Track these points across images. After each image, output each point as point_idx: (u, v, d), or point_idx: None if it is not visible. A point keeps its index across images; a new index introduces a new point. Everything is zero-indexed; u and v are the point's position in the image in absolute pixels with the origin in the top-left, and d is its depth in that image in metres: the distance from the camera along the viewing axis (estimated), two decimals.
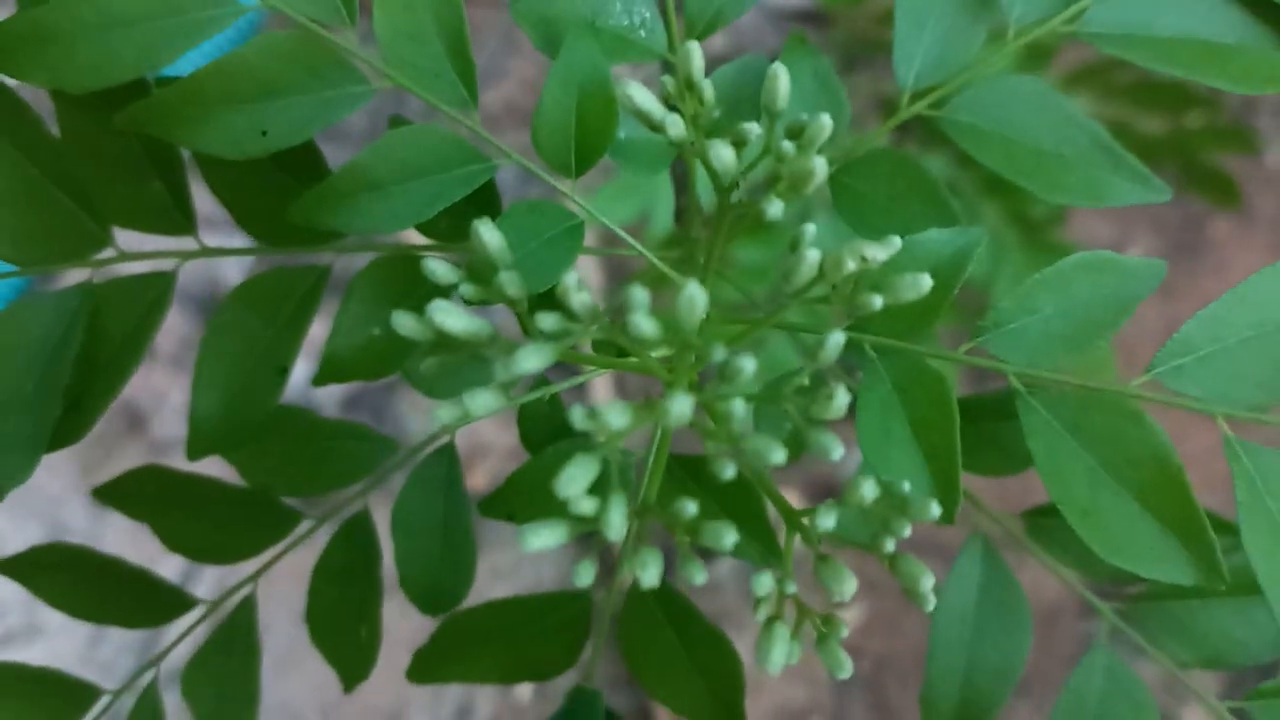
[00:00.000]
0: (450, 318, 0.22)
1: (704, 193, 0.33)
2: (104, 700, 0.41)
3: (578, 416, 0.21)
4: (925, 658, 0.38)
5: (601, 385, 1.11)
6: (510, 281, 0.24)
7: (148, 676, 0.40)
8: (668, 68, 0.35)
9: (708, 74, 0.30)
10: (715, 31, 0.36)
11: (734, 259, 0.57)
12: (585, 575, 0.22)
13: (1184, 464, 0.29)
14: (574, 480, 0.21)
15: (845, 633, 0.23)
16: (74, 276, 0.37)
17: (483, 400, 0.22)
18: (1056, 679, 0.47)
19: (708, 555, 0.25)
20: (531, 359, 0.22)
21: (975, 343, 0.31)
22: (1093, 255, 0.30)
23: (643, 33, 0.35)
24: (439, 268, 0.25)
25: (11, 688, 0.40)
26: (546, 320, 0.23)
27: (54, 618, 1.40)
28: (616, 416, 0.21)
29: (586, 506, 0.22)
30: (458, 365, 0.38)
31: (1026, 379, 0.30)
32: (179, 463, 0.40)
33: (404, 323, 0.24)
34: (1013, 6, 0.34)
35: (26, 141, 0.36)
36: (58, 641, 1.20)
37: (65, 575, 0.40)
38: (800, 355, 0.25)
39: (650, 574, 0.21)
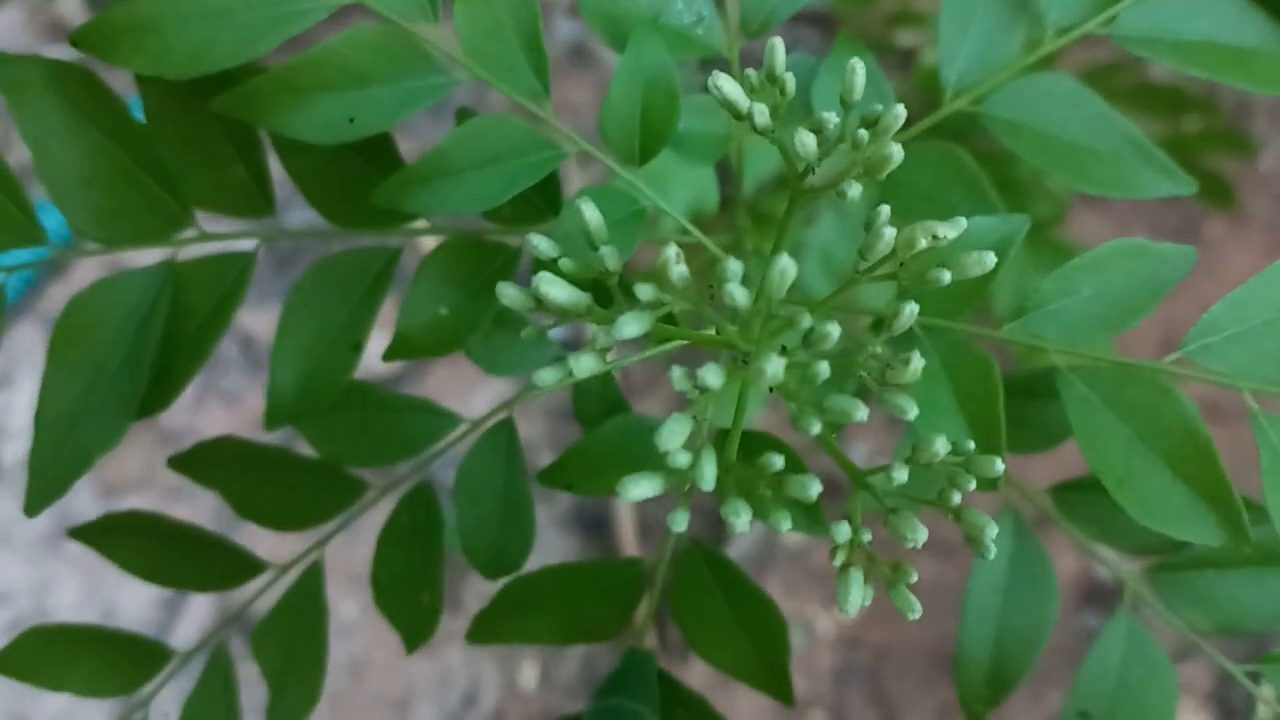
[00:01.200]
0: (555, 288, 0.25)
1: (749, 183, 0.35)
2: (174, 661, 0.43)
3: (677, 377, 0.23)
4: (957, 629, 0.40)
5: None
6: (610, 255, 0.26)
7: (219, 638, 0.42)
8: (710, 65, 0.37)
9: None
10: (768, 31, 0.38)
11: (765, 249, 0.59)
12: (680, 523, 0.24)
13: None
14: (674, 435, 0.23)
15: (914, 578, 0.25)
16: (156, 256, 0.39)
17: (585, 363, 0.24)
18: (1053, 671, 0.49)
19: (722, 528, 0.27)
20: (632, 326, 0.24)
21: (1016, 322, 0.33)
22: (1129, 242, 0.33)
23: (700, 30, 0.38)
24: (541, 242, 0.27)
25: (87, 647, 0.42)
26: (644, 290, 0.25)
27: (63, 602, 1.40)
28: (713, 377, 0.23)
29: (682, 460, 0.24)
30: (513, 343, 0.41)
31: (1066, 356, 0.33)
32: None
33: (508, 292, 0.26)
34: (1050, 9, 0.37)
35: (114, 128, 0.38)
36: None
37: (139, 540, 0.42)
38: (866, 329, 0.28)
39: (743, 520, 0.23)
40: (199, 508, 0.53)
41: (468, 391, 1.13)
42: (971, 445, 0.26)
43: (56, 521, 1.19)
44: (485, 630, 0.40)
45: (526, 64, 0.35)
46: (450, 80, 0.35)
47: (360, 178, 0.38)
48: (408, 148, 0.39)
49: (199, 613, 1.20)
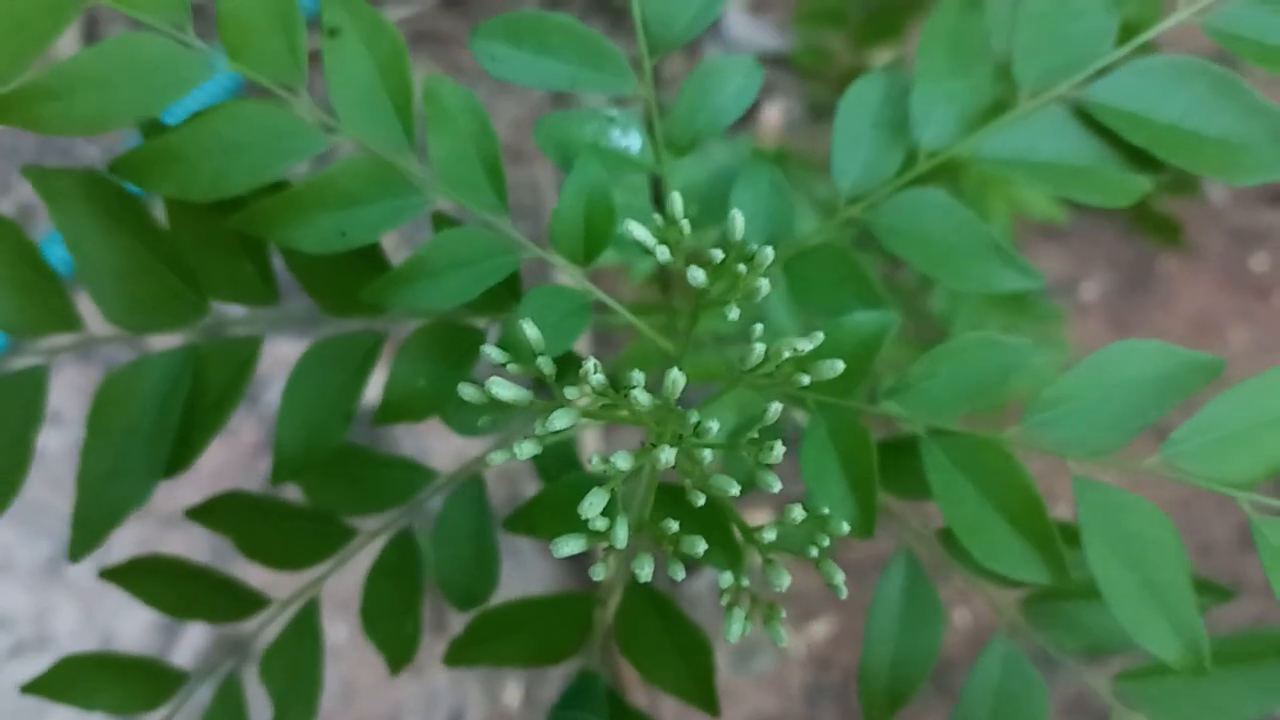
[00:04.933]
0: (504, 389, 0.32)
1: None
2: (190, 683, 0.50)
3: (595, 461, 0.31)
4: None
5: (591, 433, 1.21)
6: (546, 364, 0.33)
7: (230, 664, 0.49)
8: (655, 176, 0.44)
9: None
10: (694, 150, 0.45)
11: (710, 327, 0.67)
12: (599, 573, 0.31)
13: (1055, 497, 0.39)
14: (593, 505, 0.30)
15: (784, 614, 0.32)
16: (174, 338, 0.46)
17: (527, 447, 0.31)
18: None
19: (690, 571, 0.33)
20: (562, 420, 0.31)
21: (890, 400, 0.40)
22: (981, 335, 0.40)
23: (634, 151, 0.45)
24: (494, 352, 0.34)
25: (109, 673, 0.49)
26: (570, 392, 0.32)
27: (63, 629, 1.45)
28: (622, 462, 0.30)
29: (600, 524, 0.31)
30: (480, 415, 0.48)
31: (929, 428, 0.40)
32: (183, 493, 0.49)
33: (467, 391, 0.33)
34: (924, 135, 0.44)
35: (140, 231, 0.45)
36: (68, 652, 1.27)
37: (160, 579, 0.49)
38: (755, 414, 0.35)
39: (646, 571, 0.30)
40: (193, 537, 0.59)
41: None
42: (827, 510, 0.33)
43: (57, 549, 1.24)
44: (460, 655, 0.47)
45: (488, 185, 0.43)
46: (425, 200, 0.42)
47: (352, 275, 0.45)
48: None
49: (194, 639, 1.25)
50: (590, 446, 1.27)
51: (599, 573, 0.31)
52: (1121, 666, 0.47)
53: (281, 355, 0.52)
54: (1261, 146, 0.42)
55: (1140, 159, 0.43)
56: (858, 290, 0.43)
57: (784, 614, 0.32)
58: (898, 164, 0.44)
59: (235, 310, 0.47)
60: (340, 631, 1.18)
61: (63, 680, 0.49)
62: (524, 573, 1.33)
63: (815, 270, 0.44)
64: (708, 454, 0.31)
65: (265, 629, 0.50)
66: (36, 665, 0.48)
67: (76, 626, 1.29)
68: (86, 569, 1.19)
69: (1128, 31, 0.44)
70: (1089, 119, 0.43)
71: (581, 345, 0.45)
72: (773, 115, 1.53)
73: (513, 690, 1.33)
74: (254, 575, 0.50)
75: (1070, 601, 0.48)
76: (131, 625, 1.27)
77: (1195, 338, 1.57)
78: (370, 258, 0.45)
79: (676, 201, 0.33)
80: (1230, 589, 0.48)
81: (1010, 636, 0.47)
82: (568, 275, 0.42)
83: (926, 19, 0.45)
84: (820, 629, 1.39)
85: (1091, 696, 0.47)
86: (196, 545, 0.49)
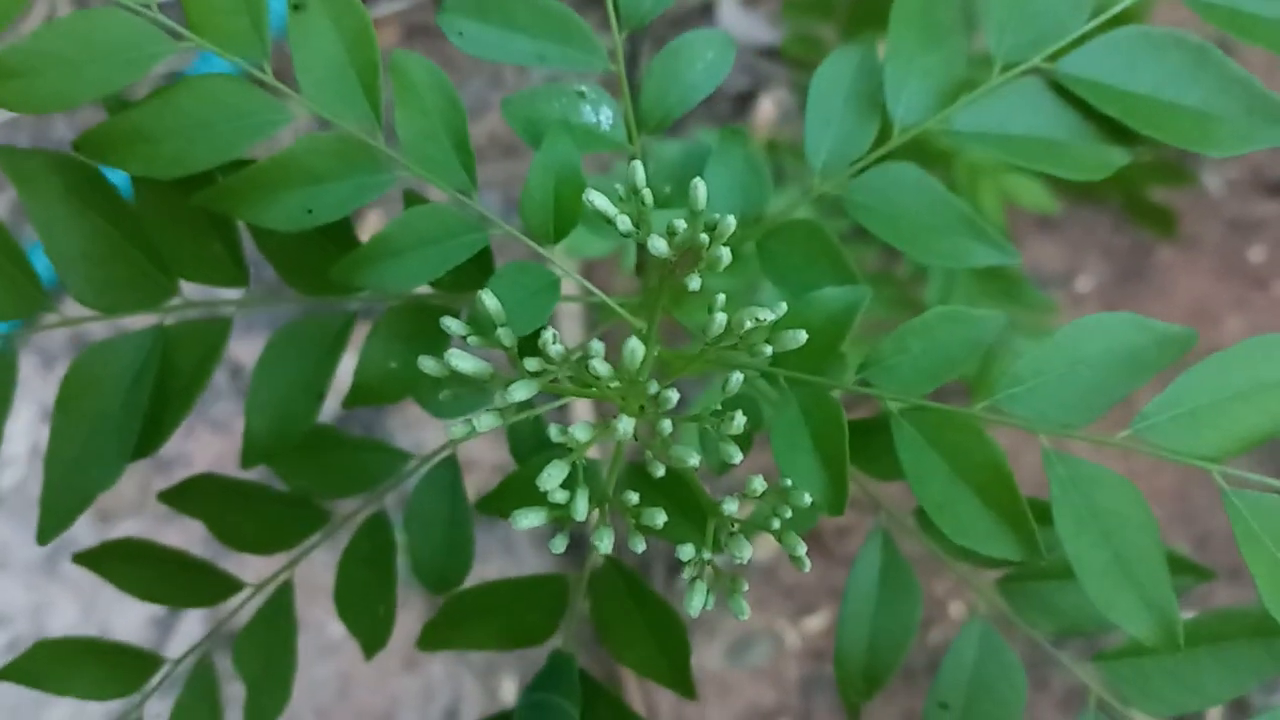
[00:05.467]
0: (462, 361, 0.31)
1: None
2: (165, 667, 0.49)
3: (554, 432, 0.30)
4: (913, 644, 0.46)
5: (581, 405, 1.20)
6: (505, 335, 0.33)
7: (204, 648, 0.49)
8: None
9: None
10: (667, 126, 0.45)
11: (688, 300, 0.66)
12: (559, 545, 0.31)
13: (1023, 472, 0.38)
14: (552, 478, 0.30)
15: (745, 587, 0.32)
16: (146, 320, 0.46)
17: (486, 420, 0.31)
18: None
19: (679, 566, 0.33)
20: (521, 391, 0.31)
21: (861, 375, 0.40)
22: (951, 309, 0.40)
23: (606, 127, 0.45)
24: (452, 324, 0.34)
25: (88, 657, 0.49)
26: (531, 363, 0.32)
27: (60, 624, 1.45)
28: (581, 433, 0.30)
29: (560, 497, 0.31)
30: (462, 394, 0.48)
31: (900, 403, 0.39)
32: (178, 477, 0.49)
33: (427, 364, 0.33)
34: (896, 110, 0.44)
35: (108, 210, 0.45)
36: None
37: (134, 564, 0.49)
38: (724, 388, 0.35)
39: (605, 544, 0.30)
40: (189, 531, 0.59)
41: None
42: (789, 482, 0.32)
43: (53, 546, 1.24)
44: (434, 638, 0.47)
45: (457, 163, 0.42)
46: (393, 177, 0.42)
47: (322, 254, 0.45)
48: None
49: (189, 632, 1.25)
50: (581, 418, 1.27)
51: (559, 545, 0.31)
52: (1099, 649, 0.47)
53: None
54: (1238, 117, 0.41)
55: (1116, 132, 0.42)
56: (830, 266, 0.43)
57: (745, 586, 0.32)
58: (871, 140, 0.44)
59: (219, 293, 0.47)
60: (337, 626, 1.19)
61: (37, 665, 0.49)
62: (518, 567, 1.33)
63: (786, 247, 0.44)
64: (666, 426, 0.31)
65: (240, 613, 0.49)
66: None
67: (74, 621, 1.29)
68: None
69: (1105, 4, 0.43)
70: (1063, 92, 0.43)
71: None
72: (767, 108, 1.53)
73: (508, 683, 1.33)
74: (251, 567, 0.49)
75: (1046, 582, 0.47)
76: (128, 620, 1.27)
77: (1192, 327, 1.57)
78: (339, 237, 0.45)
79: (638, 171, 0.33)
80: (1211, 570, 0.47)
81: (989, 620, 0.47)
82: (557, 259, 0.42)
83: None
84: (816, 622, 1.39)
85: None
86: (193, 540, 0.49)
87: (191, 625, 1.26)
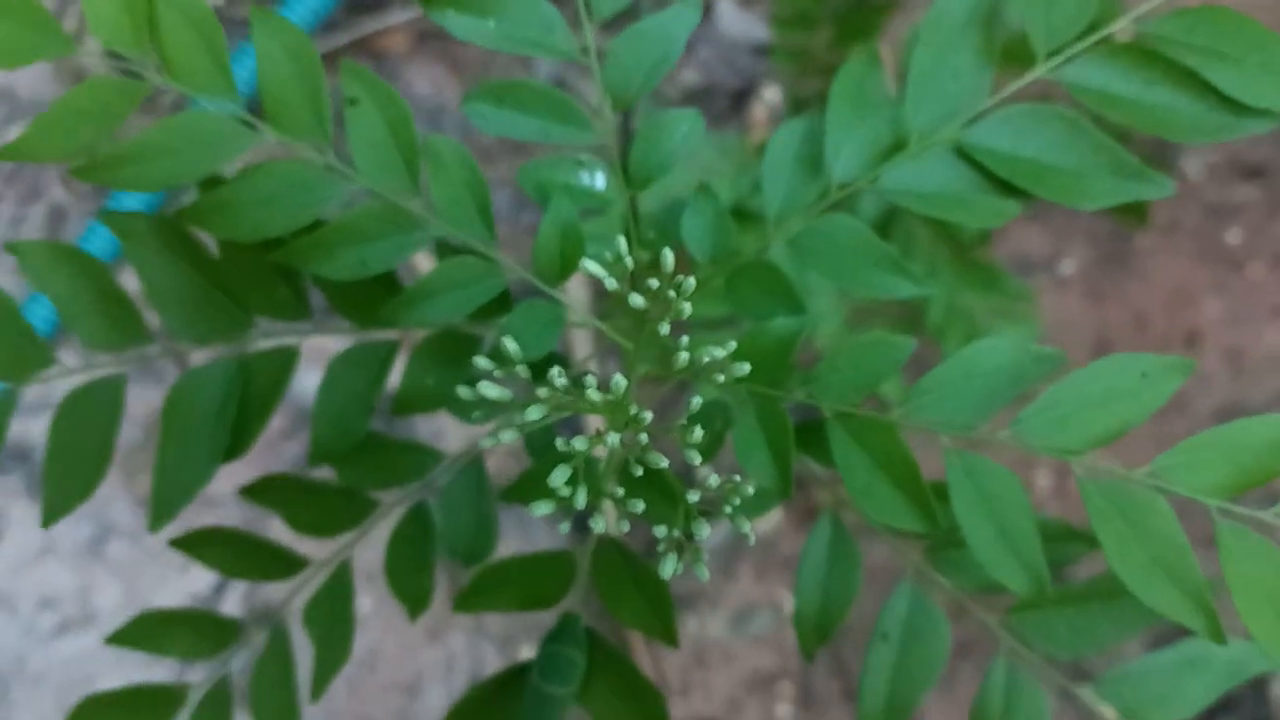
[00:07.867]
0: (491, 390, 0.42)
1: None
2: (244, 634, 0.60)
3: (559, 444, 0.41)
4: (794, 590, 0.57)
5: (593, 417, 1.32)
6: (523, 370, 0.44)
7: (277, 617, 0.60)
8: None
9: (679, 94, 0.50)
10: (653, 184, 0.55)
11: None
12: (564, 527, 0.42)
13: (928, 464, 0.49)
14: (559, 477, 0.41)
15: (706, 557, 0.42)
16: (228, 350, 0.57)
17: (508, 434, 0.42)
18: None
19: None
20: (535, 413, 0.41)
21: (806, 388, 0.50)
22: (875, 335, 0.50)
23: (600, 188, 0.55)
24: (483, 361, 0.45)
25: (184, 625, 0.60)
26: (542, 390, 0.42)
27: (105, 605, 1.53)
28: (580, 444, 0.41)
29: (564, 491, 0.41)
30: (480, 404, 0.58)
31: (834, 410, 0.50)
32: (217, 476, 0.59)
33: (464, 392, 0.43)
34: (835, 170, 0.54)
35: (197, 262, 0.55)
36: (110, 627, 1.37)
37: (219, 547, 0.60)
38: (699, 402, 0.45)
39: (599, 525, 0.41)
40: (224, 517, 0.68)
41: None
42: (739, 477, 0.43)
43: (98, 530, 1.32)
44: (467, 603, 0.58)
45: (479, 220, 0.53)
46: (428, 234, 0.52)
47: (372, 295, 0.55)
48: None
49: (230, 609, 1.35)
50: (594, 426, 1.38)
51: (564, 527, 0.42)
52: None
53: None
54: (1105, 176, 0.51)
55: (1008, 188, 0.53)
56: (783, 299, 0.53)
57: (706, 556, 0.42)
58: (815, 193, 0.54)
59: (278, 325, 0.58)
60: (365, 603, 1.27)
61: (140, 632, 0.59)
62: (535, 542, 1.43)
63: (749, 283, 0.54)
64: (643, 438, 0.41)
65: (300, 590, 0.60)
66: (83, 641, 0.57)
67: (118, 602, 1.38)
68: (123, 547, 1.29)
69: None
70: (966, 156, 0.53)
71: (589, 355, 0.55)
72: (761, 110, 1.62)
73: (526, 652, 1.42)
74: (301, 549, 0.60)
75: (961, 549, 0.58)
76: (169, 599, 1.36)
77: (1171, 309, 1.66)
78: (386, 281, 0.55)
79: (621, 244, 0.43)
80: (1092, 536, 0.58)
81: (917, 582, 0.58)
82: (562, 292, 0.53)
83: (842, 69, 0.55)
84: None
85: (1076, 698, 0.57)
86: (228, 524, 0.59)
87: (232, 603, 1.36)
